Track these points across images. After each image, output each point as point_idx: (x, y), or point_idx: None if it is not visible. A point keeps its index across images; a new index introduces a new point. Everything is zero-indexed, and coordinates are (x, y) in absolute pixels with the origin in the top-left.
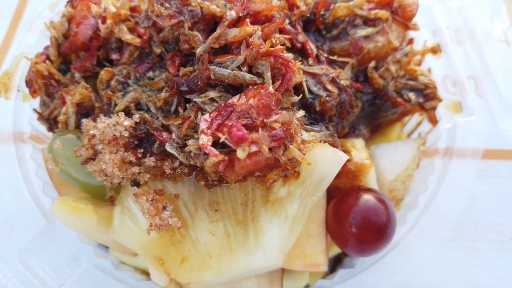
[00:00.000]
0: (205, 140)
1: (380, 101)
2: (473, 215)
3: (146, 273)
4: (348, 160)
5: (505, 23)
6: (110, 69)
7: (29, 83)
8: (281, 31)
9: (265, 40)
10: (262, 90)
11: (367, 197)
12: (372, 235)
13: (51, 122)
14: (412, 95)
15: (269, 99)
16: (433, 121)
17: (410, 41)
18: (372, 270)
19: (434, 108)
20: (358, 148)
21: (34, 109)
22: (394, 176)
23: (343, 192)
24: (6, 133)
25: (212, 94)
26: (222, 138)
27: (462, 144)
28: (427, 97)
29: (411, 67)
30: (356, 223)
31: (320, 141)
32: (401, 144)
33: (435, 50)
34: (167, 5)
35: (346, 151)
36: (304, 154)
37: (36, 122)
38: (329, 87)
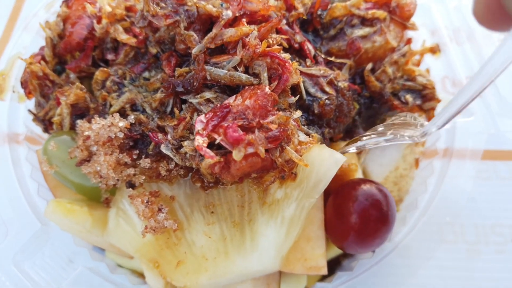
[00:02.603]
0: (200, 141)
1: (377, 105)
2: (473, 217)
3: (143, 276)
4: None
5: None
6: (105, 69)
7: (24, 84)
8: (278, 31)
9: (261, 40)
10: (258, 91)
11: (365, 185)
12: (374, 218)
13: (46, 123)
14: (409, 98)
15: (265, 100)
16: None
17: (408, 41)
18: (370, 272)
19: (433, 109)
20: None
21: (29, 110)
22: (382, 178)
23: (340, 186)
24: (1, 135)
25: (208, 94)
26: (218, 139)
27: (462, 144)
28: (425, 98)
29: (409, 67)
30: (360, 206)
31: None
32: (388, 146)
33: (434, 50)
34: (163, 4)
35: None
36: (301, 156)
37: (31, 123)
38: (327, 89)
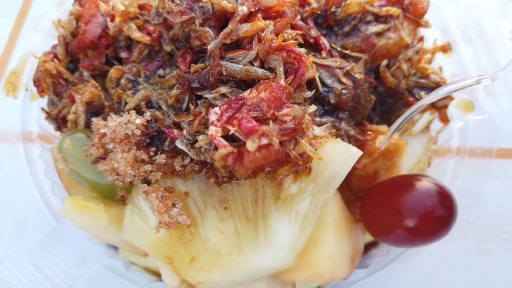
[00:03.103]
0: (214, 131)
1: (392, 101)
2: (483, 215)
3: (156, 274)
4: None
5: None
6: (120, 67)
7: (37, 82)
8: (293, 27)
9: (277, 35)
10: (273, 83)
11: (428, 182)
12: (436, 219)
13: (59, 122)
14: (423, 94)
15: (280, 92)
16: (445, 120)
17: (421, 39)
18: (386, 270)
19: (445, 107)
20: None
21: (42, 108)
22: (406, 171)
23: (394, 179)
24: (15, 133)
25: (223, 89)
26: (232, 130)
27: (475, 143)
28: None
29: (422, 65)
30: (423, 205)
31: (333, 136)
32: (411, 139)
33: (445, 49)
34: (178, 1)
35: (380, 133)
36: (315, 150)
37: (44, 122)
38: (344, 80)
